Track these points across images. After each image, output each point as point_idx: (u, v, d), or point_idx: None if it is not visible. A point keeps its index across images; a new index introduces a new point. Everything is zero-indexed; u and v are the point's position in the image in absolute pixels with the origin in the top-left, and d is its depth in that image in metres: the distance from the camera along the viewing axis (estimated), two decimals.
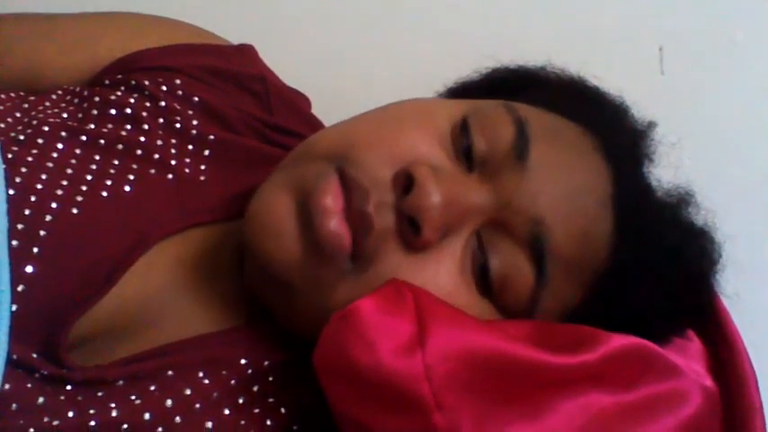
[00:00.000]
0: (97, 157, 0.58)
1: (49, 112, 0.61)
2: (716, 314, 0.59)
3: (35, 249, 0.52)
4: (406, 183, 0.50)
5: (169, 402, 0.52)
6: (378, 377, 0.46)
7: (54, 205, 0.54)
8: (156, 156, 0.60)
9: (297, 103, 0.71)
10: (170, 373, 0.53)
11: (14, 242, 0.51)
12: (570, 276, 0.53)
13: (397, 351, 0.46)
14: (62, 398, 0.51)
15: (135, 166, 0.59)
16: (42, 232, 0.52)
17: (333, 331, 0.48)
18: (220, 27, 0.72)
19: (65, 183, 0.55)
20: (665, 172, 0.60)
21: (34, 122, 0.58)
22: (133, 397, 0.52)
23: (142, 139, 0.60)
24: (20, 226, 0.52)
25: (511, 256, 0.52)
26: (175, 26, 0.70)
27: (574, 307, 0.54)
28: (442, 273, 0.51)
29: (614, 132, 0.58)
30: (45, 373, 0.51)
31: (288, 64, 0.72)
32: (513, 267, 0.52)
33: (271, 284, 0.54)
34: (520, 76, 0.66)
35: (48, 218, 0.53)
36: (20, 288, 0.51)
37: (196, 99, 0.64)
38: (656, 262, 0.55)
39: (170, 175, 0.60)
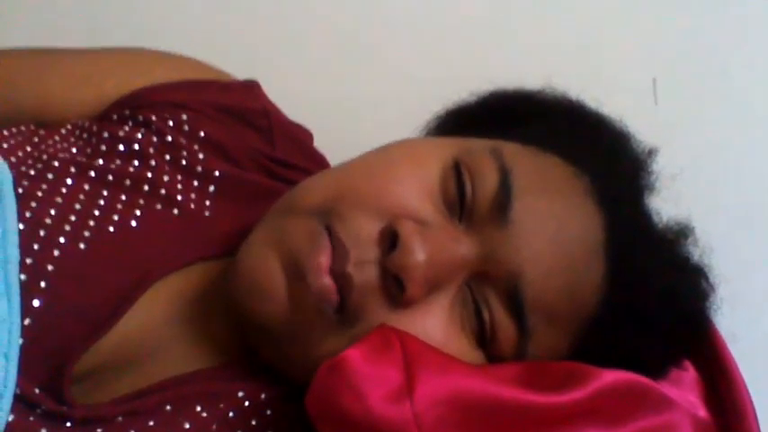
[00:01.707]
0: (105, 193, 0.59)
1: (59, 146, 0.62)
2: (713, 346, 0.59)
3: (42, 283, 0.52)
4: (391, 239, 0.50)
5: None
6: (369, 426, 0.46)
7: (62, 240, 0.54)
8: (163, 191, 0.61)
9: (300, 137, 0.71)
10: (168, 408, 0.54)
11: (23, 276, 0.52)
12: (556, 327, 0.53)
13: (387, 400, 0.46)
14: None
15: (142, 202, 0.60)
16: (50, 267, 0.53)
17: (323, 380, 0.48)
18: (224, 62, 0.73)
19: (73, 218, 0.56)
20: (664, 204, 0.60)
21: (44, 157, 0.59)
22: None
23: (149, 174, 0.61)
24: (28, 260, 0.53)
25: (495, 308, 0.52)
26: (181, 62, 0.71)
27: (563, 352, 0.54)
28: (431, 326, 0.51)
29: (611, 170, 0.57)
30: (46, 408, 0.51)
31: (291, 98, 0.72)
32: (497, 320, 0.52)
33: (258, 336, 0.55)
34: (516, 104, 0.65)
35: (56, 252, 0.54)
36: (27, 322, 0.51)
37: (202, 134, 0.65)
38: (650, 304, 0.54)
39: (176, 211, 0.61)
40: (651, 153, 0.62)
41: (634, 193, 0.59)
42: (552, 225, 0.52)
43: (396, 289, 0.50)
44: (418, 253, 0.49)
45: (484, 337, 0.52)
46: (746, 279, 0.67)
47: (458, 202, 0.53)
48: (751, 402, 0.56)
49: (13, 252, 0.52)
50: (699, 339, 0.59)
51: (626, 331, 0.54)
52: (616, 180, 0.57)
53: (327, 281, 0.50)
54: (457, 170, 0.53)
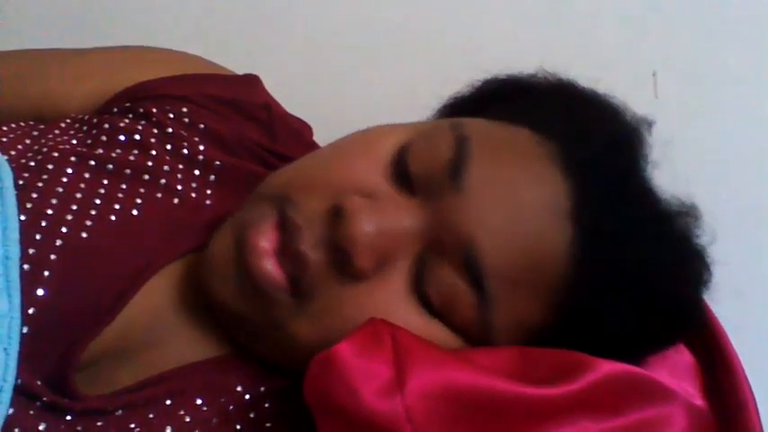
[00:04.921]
0: (105, 182, 0.59)
1: (59, 139, 0.62)
2: (712, 335, 0.59)
3: (46, 273, 0.53)
4: (338, 214, 0.51)
5: (168, 430, 0.53)
6: (362, 420, 0.47)
7: (64, 230, 0.55)
8: (163, 180, 0.61)
9: (300, 130, 0.72)
10: (168, 401, 0.54)
11: (26, 266, 0.52)
12: (521, 293, 0.52)
13: (378, 394, 0.47)
14: (62, 426, 0.51)
15: (142, 191, 0.60)
16: (53, 256, 0.53)
17: (315, 375, 0.49)
18: (224, 59, 0.74)
19: (74, 207, 0.56)
20: (669, 187, 0.59)
21: (44, 149, 0.60)
22: (133, 425, 0.53)
23: (149, 164, 0.61)
24: (31, 251, 0.53)
25: (449, 278, 0.51)
26: (183, 58, 0.72)
27: (543, 326, 0.53)
28: (387, 300, 0.51)
29: (582, 137, 0.56)
30: (46, 400, 0.51)
31: (290, 91, 0.73)
32: (452, 289, 0.51)
33: (229, 324, 0.55)
34: (506, 87, 0.65)
35: (58, 242, 0.54)
36: (31, 311, 0.52)
37: (202, 126, 0.65)
38: (627, 272, 0.53)
39: (176, 200, 0.61)
40: (643, 122, 0.61)
41: (612, 160, 0.56)
42: (508, 190, 0.52)
43: (345, 262, 0.50)
44: (363, 223, 0.50)
45: (434, 309, 0.52)
46: (747, 271, 0.67)
47: (409, 179, 0.53)
48: (751, 391, 0.56)
49: (14, 249, 0.52)
50: (692, 324, 0.58)
51: (605, 298, 0.53)
52: (587, 146, 0.55)
53: (268, 265, 0.51)
54: (407, 149, 0.53)
